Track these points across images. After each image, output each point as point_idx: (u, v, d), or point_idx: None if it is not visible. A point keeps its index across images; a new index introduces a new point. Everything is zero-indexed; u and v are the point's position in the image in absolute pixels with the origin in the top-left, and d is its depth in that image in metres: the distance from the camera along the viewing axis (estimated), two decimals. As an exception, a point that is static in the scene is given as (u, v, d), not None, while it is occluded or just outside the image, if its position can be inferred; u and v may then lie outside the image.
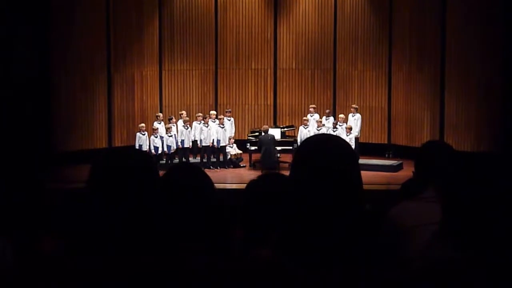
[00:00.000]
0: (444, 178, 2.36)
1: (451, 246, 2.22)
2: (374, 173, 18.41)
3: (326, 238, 2.33)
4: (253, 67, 22.31)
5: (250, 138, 20.27)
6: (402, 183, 4.84)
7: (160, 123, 19.82)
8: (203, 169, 2.91)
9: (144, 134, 19.39)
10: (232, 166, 20.04)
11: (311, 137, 2.60)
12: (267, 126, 19.99)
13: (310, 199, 2.37)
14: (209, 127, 19.83)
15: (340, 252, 2.32)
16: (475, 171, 2.25)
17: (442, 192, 2.36)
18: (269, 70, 22.33)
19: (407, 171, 18.04)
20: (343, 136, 18.75)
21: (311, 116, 20.49)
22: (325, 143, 2.49)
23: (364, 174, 2.49)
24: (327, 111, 20.71)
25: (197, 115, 20.19)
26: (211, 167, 19.45)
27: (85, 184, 2.56)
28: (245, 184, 3.18)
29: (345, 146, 2.51)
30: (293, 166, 2.51)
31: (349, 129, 19.56)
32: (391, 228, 3.10)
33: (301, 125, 20.29)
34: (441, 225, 2.33)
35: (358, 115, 20.45)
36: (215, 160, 19.90)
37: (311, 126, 20.03)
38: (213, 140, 19.74)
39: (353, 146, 18.66)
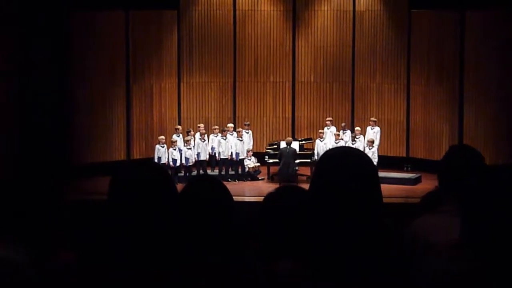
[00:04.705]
0: (467, 191, 2.34)
1: (471, 260, 2.20)
2: (393, 186, 18.32)
3: (345, 251, 2.31)
4: (271, 80, 22.31)
5: (268, 150, 20.26)
6: (422, 196, 4.80)
7: (178, 136, 19.85)
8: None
9: (163, 147, 19.44)
10: (250, 178, 20.02)
11: (331, 150, 2.59)
12: (290, 139, 19.92)
13: (328, 212, 2.35)
14: (227, 139, 19.84)
15: (359, 266, 2.30)
16: (496, 183, 2.22)
17: (463, 205, 2.33)
18: (287, 83, 22.32)
19: (425, 184, 17.96)
20: (361, 149, 18.67)
21: (328, 129, 20.43)
22: (345, 157, 2.48)
23: (383, 187, 2.47)
24: (343, 124, 20.60)
25: (213, 127, 20.22)
26: (229, 180, 19.45)
27: (105, 196, 2.56)
28: (263, 197, 3.16)
29: (365, 160, 2.48)
30: (312, 179, 2.49)
31: (371, 143, 19.42)
32: (412, 241, 3.08)
33: (317, 138, 20.23)
34: (461, 238, 2.30)
35: (377, 128, 20.36)
36: (233, 172, 19.90)
37: (328, 139, 19.95)
38: (231, 152, 19.75)
39: (376, 160, 18.53)
